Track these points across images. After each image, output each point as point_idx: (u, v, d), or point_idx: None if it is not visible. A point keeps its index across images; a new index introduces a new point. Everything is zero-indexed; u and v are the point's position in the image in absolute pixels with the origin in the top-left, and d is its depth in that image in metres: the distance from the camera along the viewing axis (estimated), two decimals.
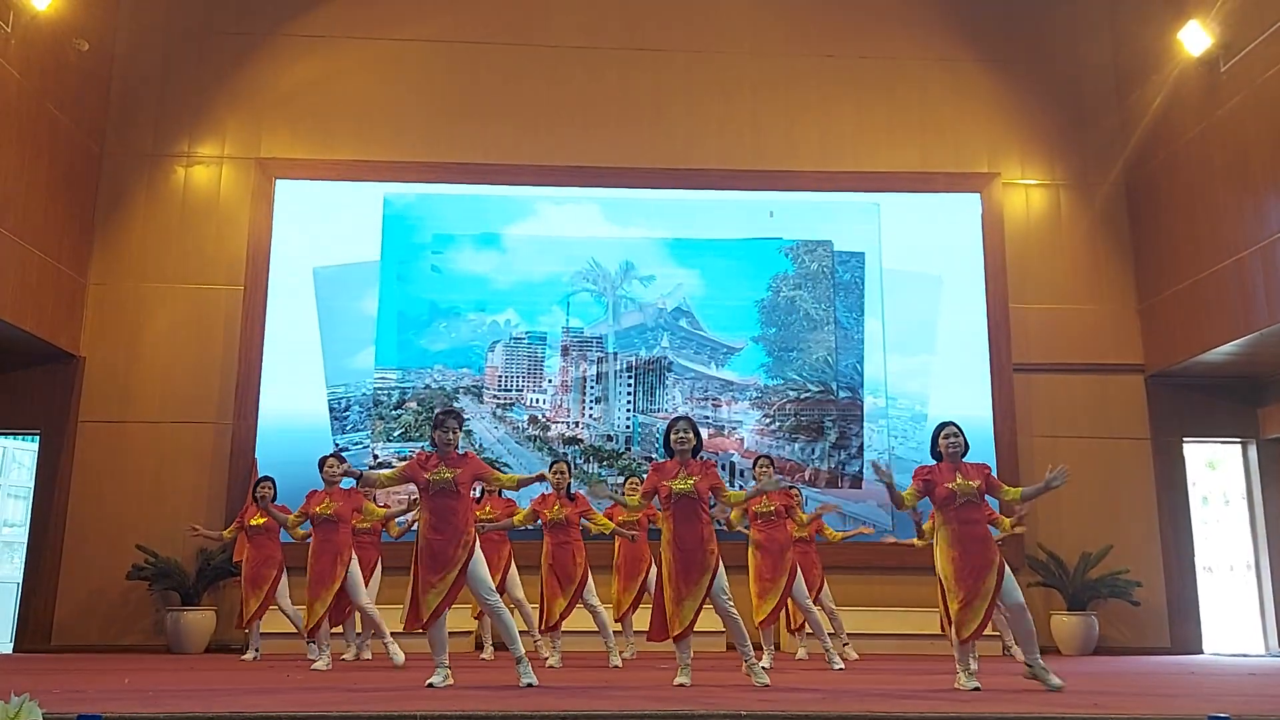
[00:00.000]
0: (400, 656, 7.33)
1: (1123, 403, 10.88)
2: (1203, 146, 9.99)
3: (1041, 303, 11.05)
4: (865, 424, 10.77)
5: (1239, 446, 11.04)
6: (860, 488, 10.62)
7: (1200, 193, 10.04)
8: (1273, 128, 8.94)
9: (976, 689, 5.16)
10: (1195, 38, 9.81)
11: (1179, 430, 10.88)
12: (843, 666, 7.07)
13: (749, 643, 5.60)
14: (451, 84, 11.29)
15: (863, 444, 10.73)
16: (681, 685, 5.33)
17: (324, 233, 10.82)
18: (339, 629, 8.03)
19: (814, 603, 8.18)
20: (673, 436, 5.61)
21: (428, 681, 5.27)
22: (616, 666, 7.17)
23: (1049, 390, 10.87)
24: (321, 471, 7.29)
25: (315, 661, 7.01)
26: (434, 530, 5.33)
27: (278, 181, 10.86)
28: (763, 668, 6.00)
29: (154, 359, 10.45)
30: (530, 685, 5.12)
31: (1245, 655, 10.19)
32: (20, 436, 10.70)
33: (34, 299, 9.49)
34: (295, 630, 8.30)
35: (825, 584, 8.47)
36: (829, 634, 8.14)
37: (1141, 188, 11.14)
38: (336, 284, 10.77)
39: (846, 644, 8.45)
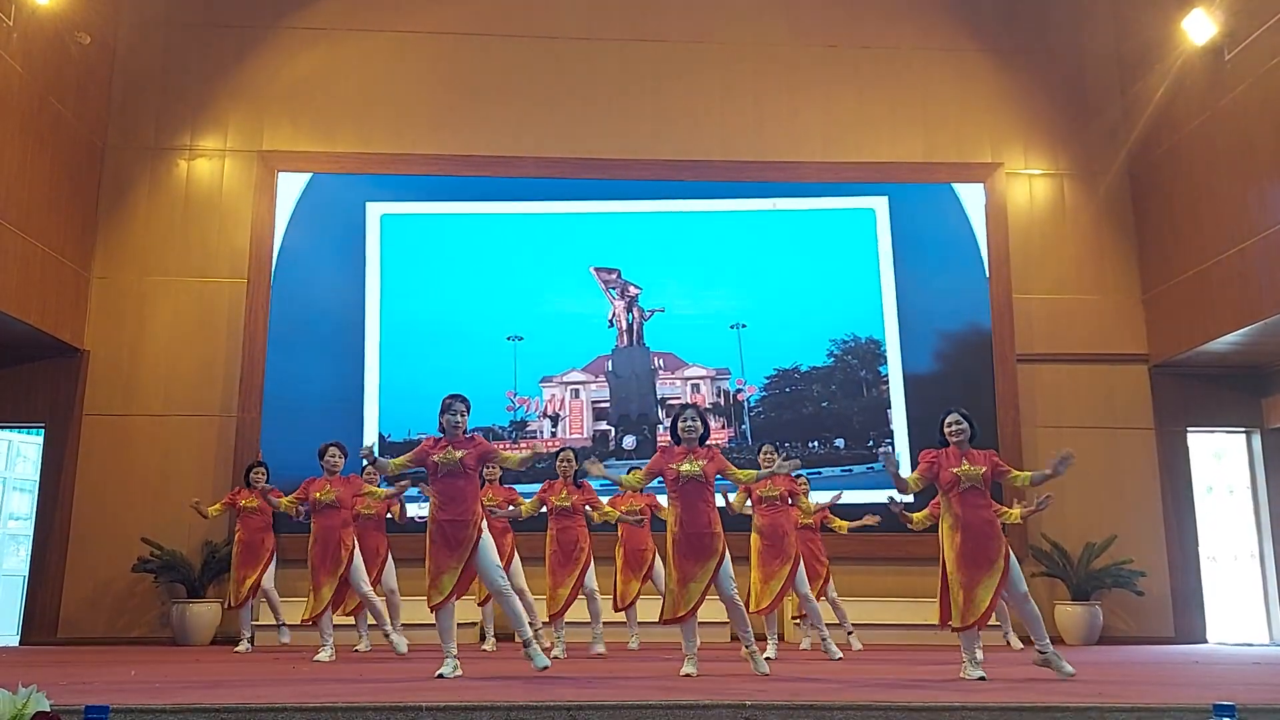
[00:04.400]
0: (403, 645, 7.33)
1: (1127, 393, 10.87)
2: (1207, 136, 9.95)
3: (1045, 293, 11.03)
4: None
5: (1243, 436, 11.02)
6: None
7: (1204, 182, 10.01)
8: (1277, 117, 8.91)
9: (982, 678, 5.17)
10: (1199, 26, 9.78)
11: (1183, 420, 10.86)
12: (840, 656, 7.03)
13: (750, 630, 5.62)
14: (453, 76, 11.28)
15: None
16: (688, 675, 5.34)
17: (325, 226, 10.85)
18: (350, 619, 8.08)
19: (819, 595, 8.21)
20: (680, 425, 5.65)
21: (437, 673, 5.30)
22: (600, 654, 7.17)
23: (1053, 381, 10.86)
24: (322, 459, 7.30)
25: (319, 652, 7.02)
26: (442, 511, 5.41)
27: (280, 174, 10.86)
28: (766, 658, 6.17)
29: (158, 352, 10.47)
30: (544, 668, 5.13)
31: (1249, 645, 10.20)
32: (25, 430, 10.73)
33: (37, 292, 9.50)
34: (275, 621, 8.42)
35: (830, 576, 8.46)
36: (832, 624, 8.25)
37: (1145, 177, 11.11)
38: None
39: (851, 633, 8.45)
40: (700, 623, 5.70)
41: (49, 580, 9.92)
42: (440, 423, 5.55)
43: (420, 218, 11.05)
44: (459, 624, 5.61)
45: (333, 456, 7.29)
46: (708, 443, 5.76)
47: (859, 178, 11.18)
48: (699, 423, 5.64)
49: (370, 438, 10.34)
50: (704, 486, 5.57)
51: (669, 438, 5.80)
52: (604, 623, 7.82)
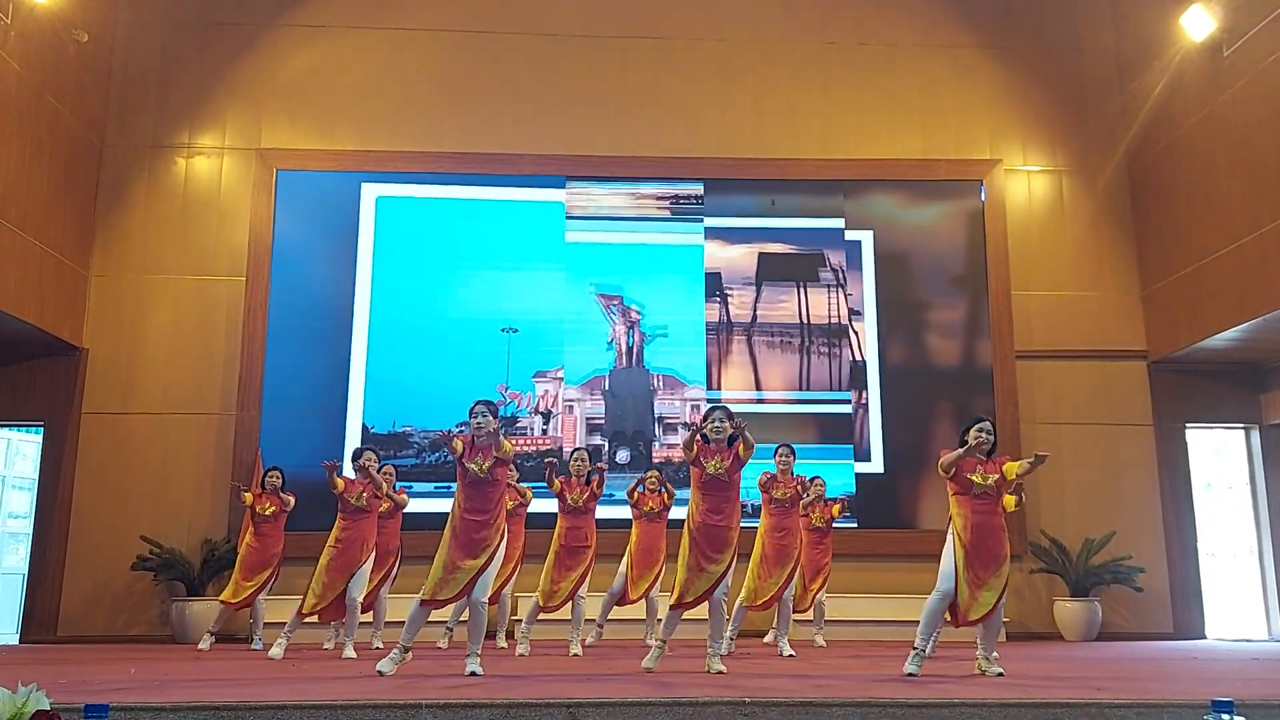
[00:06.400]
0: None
1: (1125, 389, 10.87)
2: (1205, 132, 9.95)
3: (1044, 289, 11.03)
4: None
5: (1242, 432, 11.03)
6: None
7: (1203, 178, 10.01)
8: (1275, 113, 8.91)
9: (912, 675, 5.20)
10: (1198, 23, 9.78)
11: (1182, 416, 10.87)
12: (793, 654, 7.06)
13: (723, 639, 5.69)
14: (452, 73, 11.26)
15: None
16: (648, 670, 5.41)
17: (321, 212, 10.85)
18: (368, 617, 8.11)
19: (814, 592, 8.37)
20: (708, 427, 5.71)
21: (377, 668, 5.22)
22: (575, 655, 7.15)
23: (1052, 377, 10.86)
24: (355, 463, 7.29)
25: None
26: (468, 513, 5.46)
27: (278, 172, 10.85)
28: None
29: (156, 350, 10.46)
30: (474, 674, 5.13)
31: (1248, 640, 10.20)
32: (24, 428, 10.72)
33: (36, 291, 9.49)
34: (253, 632, 8.44)
35: (828, 576, 8.50)
36: (807, 620, 8.63)
37: (1144, 173, 11.11)
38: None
39: (819, 631, 8.57)
40: (699, 620, 5.74)
41: (49, 578, 9.92)
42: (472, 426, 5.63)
43: (416, 201, 10.98)
44: (460, 620, 5.60)
45: (369, 459, 7.26)
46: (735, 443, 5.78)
47: (858, 174, 11.17)
48: (728, 423, 5.70)
49: (354, 430, 10.35)
50: (727, 486, 5.67)
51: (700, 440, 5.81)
52: (606, 621, 7.88)
